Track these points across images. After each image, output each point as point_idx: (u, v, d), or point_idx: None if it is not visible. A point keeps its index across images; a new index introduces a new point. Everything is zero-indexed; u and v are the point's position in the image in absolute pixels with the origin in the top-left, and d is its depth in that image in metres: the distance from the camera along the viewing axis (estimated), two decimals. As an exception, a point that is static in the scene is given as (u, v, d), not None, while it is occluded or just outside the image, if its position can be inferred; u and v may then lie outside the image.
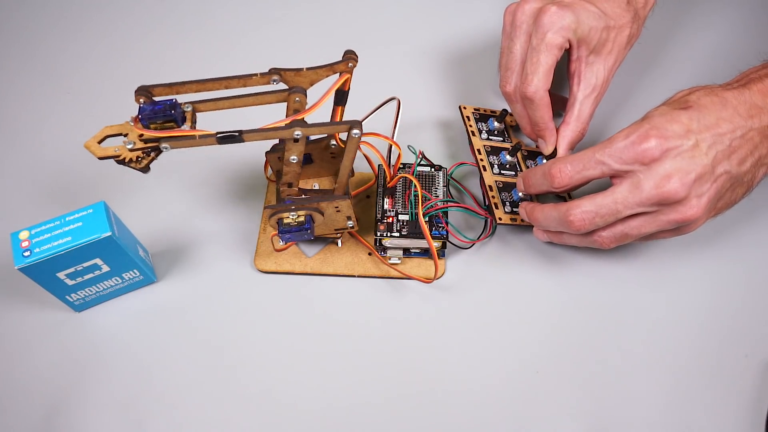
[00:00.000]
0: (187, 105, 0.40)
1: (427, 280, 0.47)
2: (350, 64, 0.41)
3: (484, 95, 0.57)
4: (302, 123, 0.39)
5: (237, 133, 0.38)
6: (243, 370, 0.45)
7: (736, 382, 0.43)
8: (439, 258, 0.47)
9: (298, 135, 0.39)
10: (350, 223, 0.46)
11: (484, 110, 0.54)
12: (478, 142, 0.51)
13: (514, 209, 0.48)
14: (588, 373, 0.44)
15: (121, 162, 0.40)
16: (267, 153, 0.46)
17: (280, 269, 0.48)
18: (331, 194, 0.45)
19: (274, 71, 0.40)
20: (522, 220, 0.47)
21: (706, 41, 0.60)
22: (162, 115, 0.39)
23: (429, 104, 0.57)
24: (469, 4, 0.63)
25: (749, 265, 0.48)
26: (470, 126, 0.52)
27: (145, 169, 0.41)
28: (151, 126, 0.39)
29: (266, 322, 0.47)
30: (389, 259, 0.48)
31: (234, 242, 0.50)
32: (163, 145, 0.39)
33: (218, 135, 0.38)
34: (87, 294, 0.46)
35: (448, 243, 0.47)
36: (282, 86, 0.41)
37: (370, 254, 0.48)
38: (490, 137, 0.52)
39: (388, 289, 0.48)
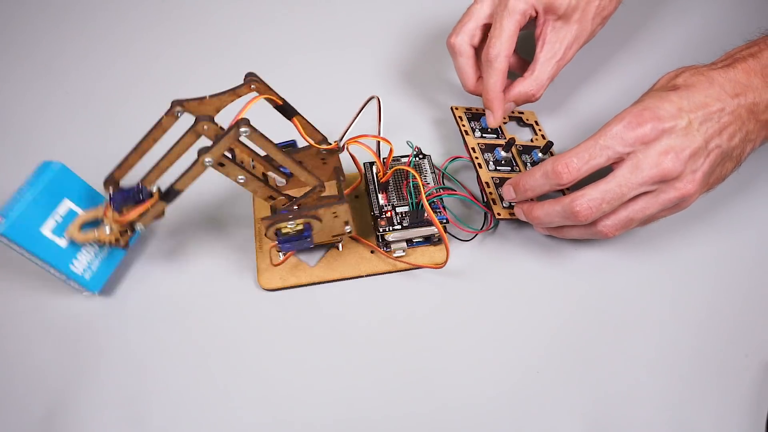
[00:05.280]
0: (153, 186, 0.42)
1: (438, 266, 0.46)
2: (253, 86, 0.41)
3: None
4: (205, 150, 0.38)
5: (171, 188, 0.41)
6: (259, 390, 0.42)
7: (736, 382, 0.42)
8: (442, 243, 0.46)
9: (208, 162, 0.38)
10: (348, 228, 0.44)
11: (476, 109, 0.53)
12: (472, 141, 0.50)
13: (512, 204, 0.46)
14: (588, 372, 0.43)
15: (103, 245, 0.44)
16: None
17: (286, 284, 0.46)
18: (327, 200, 0.43)
19: (176, 103, 0.40)
20: None
21: (692, 23, 0.61)
22: (132, 201, 0.42)
23: (421, 103, 0.56)
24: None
25: (750, 260, 0.47)
26: (463, 125, 0.51)
27: (126, 246, 0.44)
28: (123, 210, 0.42)
29: (280, 338, 0.44)
30: (394, 252, 0.46)
31: (233, 263, 0.48)
32: (138, 226, 0.43)
33: (161, 195, 0.42)
34: (90, 260, 0.44)
35: (450, 236, 0.46)
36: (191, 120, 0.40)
37: (372, 252, 0.47)
38: (484, 135, 0.51)
39: (399, 281, 0.46)
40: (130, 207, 0.42)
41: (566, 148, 0.42)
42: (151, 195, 0.42)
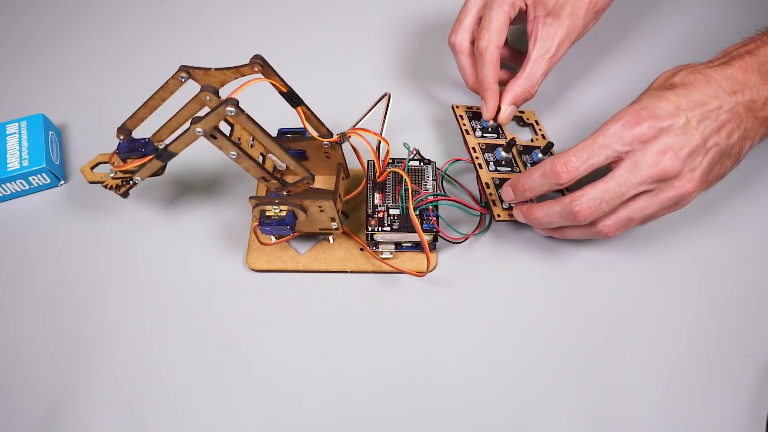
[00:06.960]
0: (160, 144, 0.45)
1: (420, 274, 0.45)
2: (256, 68, 0.41)
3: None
4: (197, 119, 0.39)
5: (165, 149, 0.42)
6: (235, 365, 0.44)
7: (736, 382, 0.41)
8: (430, 251, 0.46)
9: (199, 131, 0.39)
10: (334, 225, 0.44)
11: (477, 108, 0.53)
12: (472, 141, 0.50)
13: (512, 205, 0.46)
14: (587, 372, 0.42)
15: (105, 187, 0.46)
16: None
17: (272, 267, 0.47)
18: (318, 192, 0.44)
19: (183, 68, 0.42)
20: None
21: (689, 22, 0.60)
22: (137, 153, 0.45)
23: (422, 103, 0.56)
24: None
25: (750, 259, 0.46)
26: (464, 125, 0.51)
27: (125, 195, 0.47)
28: (128, 160, 0.45)
29: (259, 319, 0.45)
30: (381, 254, 0.46)
31: (225, 240, 0.49)
32: (135, 178, 0.45)
33: (157, 154, 0.43)
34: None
35: (439, 237, 0.45)
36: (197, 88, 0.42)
37: (361, 250, 0.47)
38: (484, 135, 0.51)
39: (381, 284, 0.46)
40: (134, 159, 0.45)
41: (566, 148, 0.42)
42: (156, 151, 0.44)
